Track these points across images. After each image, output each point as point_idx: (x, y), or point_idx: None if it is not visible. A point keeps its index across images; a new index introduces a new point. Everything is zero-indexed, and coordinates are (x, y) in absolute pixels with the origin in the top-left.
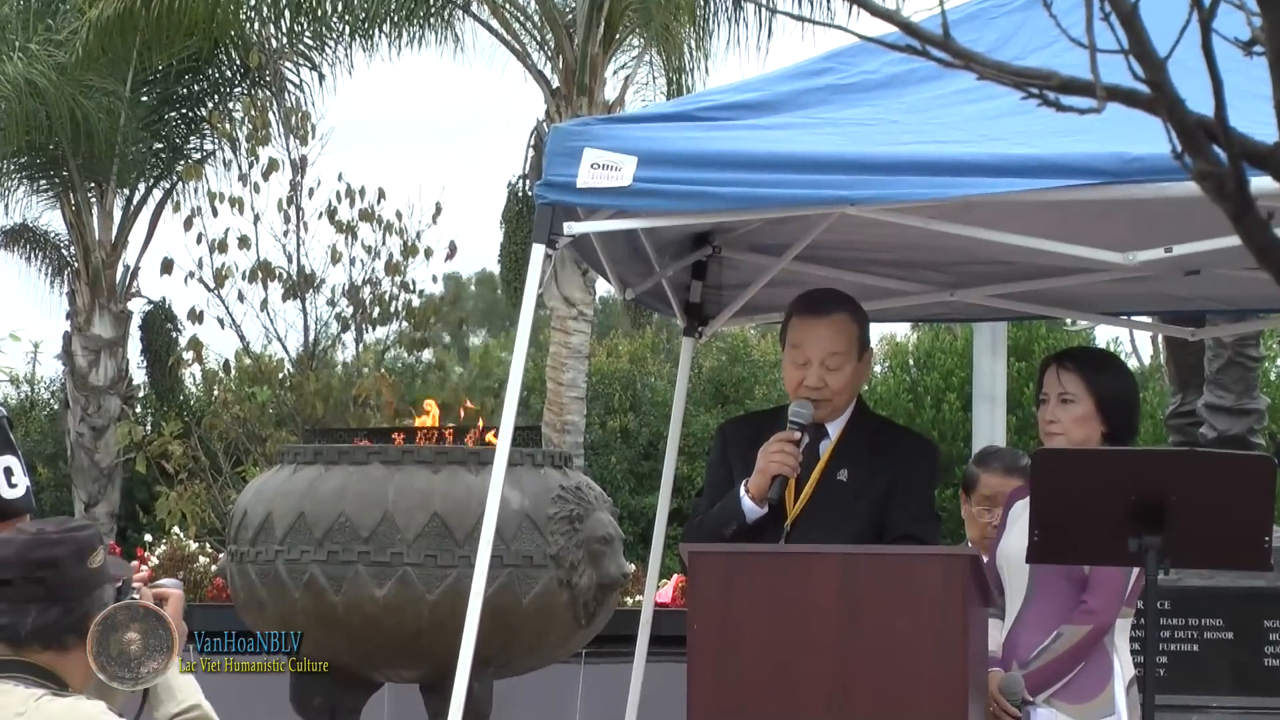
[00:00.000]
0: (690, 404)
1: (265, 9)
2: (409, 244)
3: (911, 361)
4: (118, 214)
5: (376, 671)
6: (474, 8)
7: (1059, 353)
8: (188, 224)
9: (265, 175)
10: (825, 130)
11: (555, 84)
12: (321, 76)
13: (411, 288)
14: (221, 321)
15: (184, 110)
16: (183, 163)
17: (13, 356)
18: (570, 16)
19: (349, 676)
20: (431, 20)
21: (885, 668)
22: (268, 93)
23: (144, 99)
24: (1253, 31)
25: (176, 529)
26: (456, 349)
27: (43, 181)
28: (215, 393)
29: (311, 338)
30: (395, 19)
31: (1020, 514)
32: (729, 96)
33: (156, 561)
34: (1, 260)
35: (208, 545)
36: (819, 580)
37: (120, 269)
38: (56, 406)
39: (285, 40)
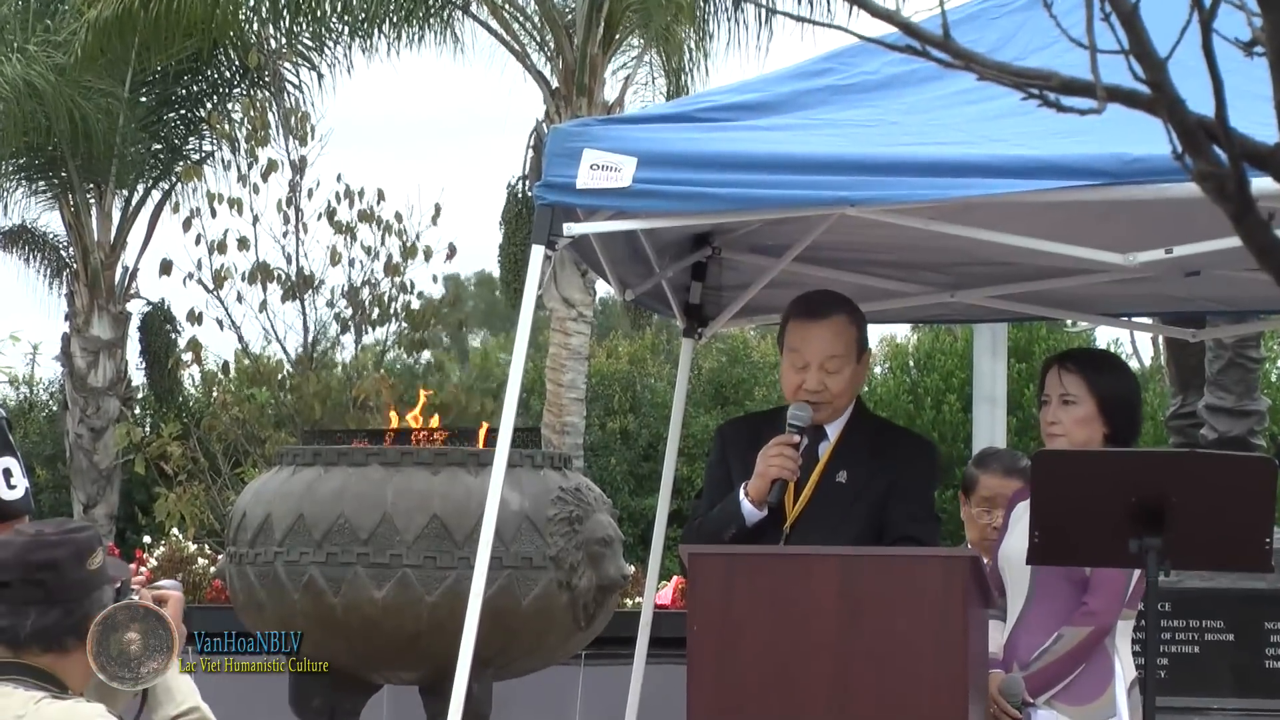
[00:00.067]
0: (690, 405)
1: (264, 9)
2: (408, 245)
3: (912, 363)
4: (116, 215)
5: (375, 673)
6: (473, 8)
7: (1061, 354)
8: (187, 225)
9: (264, 176)
10: (825, 131)
11: (555, 84)
12: (320, 77)
13: (410, 289)
14: (220, 323)
15: (183, 111)
16: (182, 164)
17: (12, 358)
18: (570, 17)
19: (348, 678)
20: (430, 21)
21: (885, 669)
22: (267, 93)
23: (143, 100)
24: (1253, 32)
25: (175, 530)
26: (456, 350)
27: (41, 182)
28: (214, 394)
29: (310, 339)
30: (394, 19)
31: (1022, 515)
32: (729, 97)
33: (155, 563)
34: (0, 261)
35: (207, 547)
36: (819, 582)
37: (119, 270)
38: (55, 408)
39: (284, 41)
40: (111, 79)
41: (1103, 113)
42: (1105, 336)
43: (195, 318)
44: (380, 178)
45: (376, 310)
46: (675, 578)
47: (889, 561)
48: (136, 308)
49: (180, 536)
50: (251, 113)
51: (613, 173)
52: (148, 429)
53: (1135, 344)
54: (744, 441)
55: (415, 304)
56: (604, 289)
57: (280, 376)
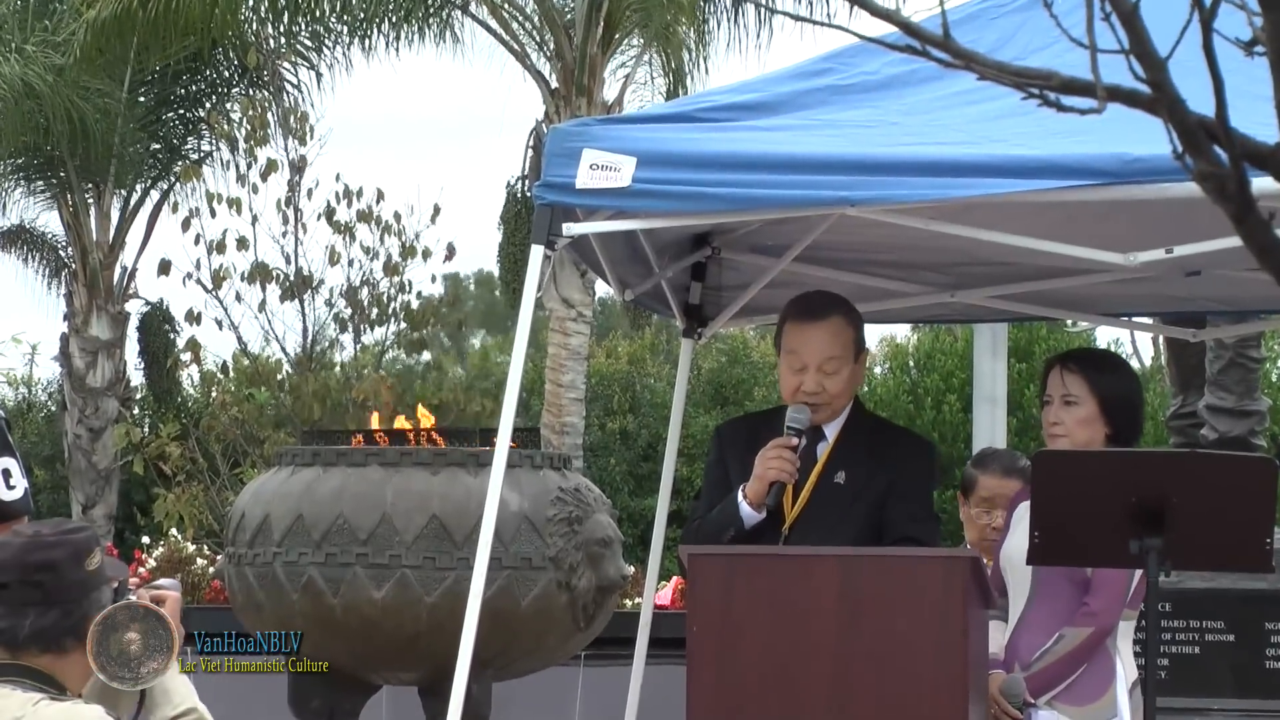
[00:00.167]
0: (689, 405)
1: (263, 9)
2: (407, 245)
3: (912, 363)
4: (115, 215)
5: (375, 674)
6: (472, 8)
7: (1063, 354)
8: (185, 225)
9: (263, 176)
10: (825, 131)
11: (554, 84)
12: (319, 76)
13: (409, 289)
14: (219, 323)
15: (182, 111)
16: (180, 163)
17: (11, 358)
18: (569, 16)
19: (347, 679)
20: (429, 20)
21: (885, 670)
22: (266, 93)
23: (141, 99)
24: (1254, 31)
25: (174, 531)
26: (455, 350)
27: (40, 182)
28: (213, 394)
29: (309, 339)
30: (393, 19)
31: (1024, 516)
32: (728, 97)
33: (154, 563)
34: None
35: (205, 547)
36: (819, 582)
37: (118, 270)
38: (54, 408)
39: (283, 40)
40: (110, 79)
41: (1103, 112)
42: (1106, 336)
43: (194, 318)
44: (379, 178)
45: (375, 310)
46: (675, 578)
47: (889, 562)
48: (135, 308)
49: (179, 537)
50: (250, 112)
51: (612, 173)
52: (146, 429)
53: (1136, 344)
54: (742, 442)
55: (414, 304)
56: (603, 289)
57: (279, 377)
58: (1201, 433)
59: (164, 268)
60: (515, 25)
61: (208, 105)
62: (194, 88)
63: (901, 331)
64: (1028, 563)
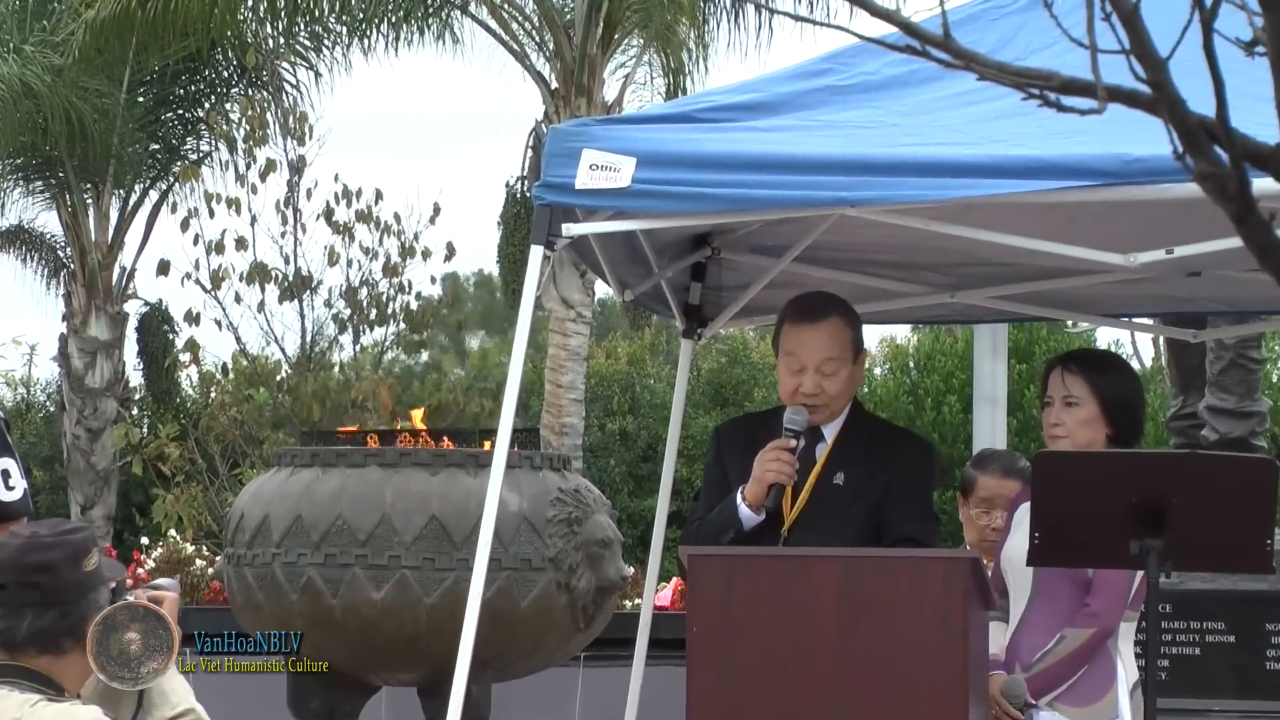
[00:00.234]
0: (689, 406)
1: (262, 9)
2: (406, 245)
3: (912, 364)
4: (114, 215)
5: (374, 675)
6: (471, 8)
7: (1064, 355)
8: (184, 225)
9: (262, 176)
10: (825, 132)
11: (554, 84)
12: (318, 76)
13: (409, 289)
14: (219, 323)
15: (181, 111)
16: (179, 164)
17: (11, 360)
18: (569, 16)
19: (346, 679)
20: (429, 21)
21: (885, 671)
22: (265, 93)
23: (140, 100)
24: (1254, 32)
25: (173, 532)
26: (455, 351)
27: (39, 183)
28: (212, 395)
29: (309, 339)
30: (392, 19)
31: (1024, 517)
32: (728, 97)
33: (153, 564)
34: None
35: (205, 548)
36: (819, 583)
37: (117, 270)
38: (52, 409)
39: (282, 40)
40: (109, 79)
41: (1103, 113)
42: (1106, 337)
43: (193, 318)
44: (379, 178)
45: (375, 311)
46: (674, 579)
47: (889, 563)
48: (134, 308)
49: (178, 538)
50: (249, 113)
51: (612, 173)
52: (145, 430)
53: (1136, 345)
54: (741, 442)
55: (414, 304)
56: (603, 289)
57: (278, 377)
58: (1202, 434)
59: (163, 268)
60: (515, 25)
61: (207, 105)
62: (193, 88)
63: (901, 332)
64: (1028, 563)
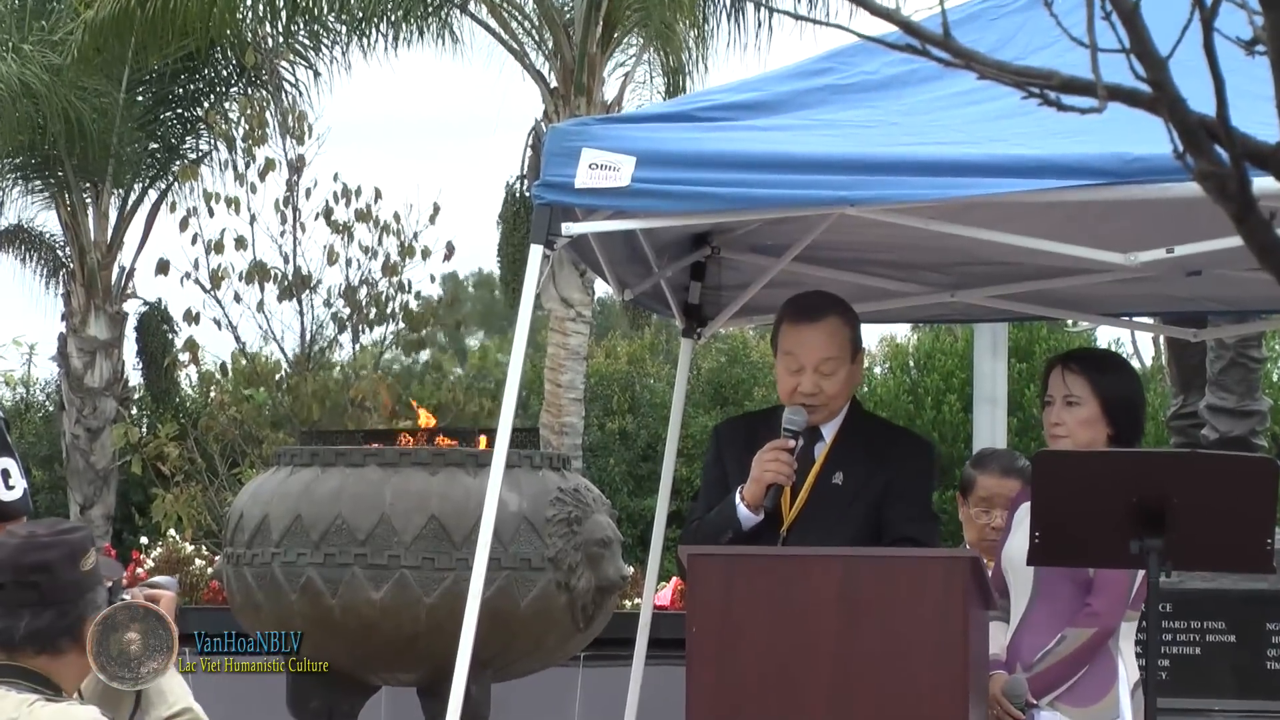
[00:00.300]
0: (689, 405)
1: (261, 8)
2: (406, 245)
3: (912, 363)
4: (113, 214)
5: (374, 675)
6: (471, 7)
7: (1064, 354)
8: (184, 224)
9: (261, 175)
10: (824, 131)
11: (553, 84)
12: (318, 75)
13: (408, 288)
14: (218, 323)
15: (180, 110)
16: (179, 163)
17: (11, 360)
18: (568, 15)
19: (346, 679)
20: (428, 19)
21: (885, 671)
22: (264, 92)
23: (140, 99)
24: (1254, 31)
25: (172, 531)
26: (454, 350)
27: (38, 182)
28: (211, 394)
29: (308, 339)
30: (391, 18)
31: (1025, 517)
32: (728, 96)
33: (152, 564)
34: None
35: (204, 548)
36: (819, 583)
37: (116, 270)
38: (51, 408)
39: (281, 39)
40: (108, 78)
41: (1103, 112)
42: (1106, 336)
43: (192, 318)
44: (378, 177)
45: (374, 310)
46: (674, 579)
47: (889, 562)
48: (133, 308)
49: (177, 537)
50: (249, 112)
51: (611, 172)
52: (145, 429)
53: (1136, 344)
54: (740, 441)
55: (413, 304)
56: (603, 289)
57: (278, 377)
58: (1202, 433)
59: (162, 267)
60: (514, 24)
61: (206, 105)
62: (192, 87)
63: (901, 331)
64: (1028, 563)
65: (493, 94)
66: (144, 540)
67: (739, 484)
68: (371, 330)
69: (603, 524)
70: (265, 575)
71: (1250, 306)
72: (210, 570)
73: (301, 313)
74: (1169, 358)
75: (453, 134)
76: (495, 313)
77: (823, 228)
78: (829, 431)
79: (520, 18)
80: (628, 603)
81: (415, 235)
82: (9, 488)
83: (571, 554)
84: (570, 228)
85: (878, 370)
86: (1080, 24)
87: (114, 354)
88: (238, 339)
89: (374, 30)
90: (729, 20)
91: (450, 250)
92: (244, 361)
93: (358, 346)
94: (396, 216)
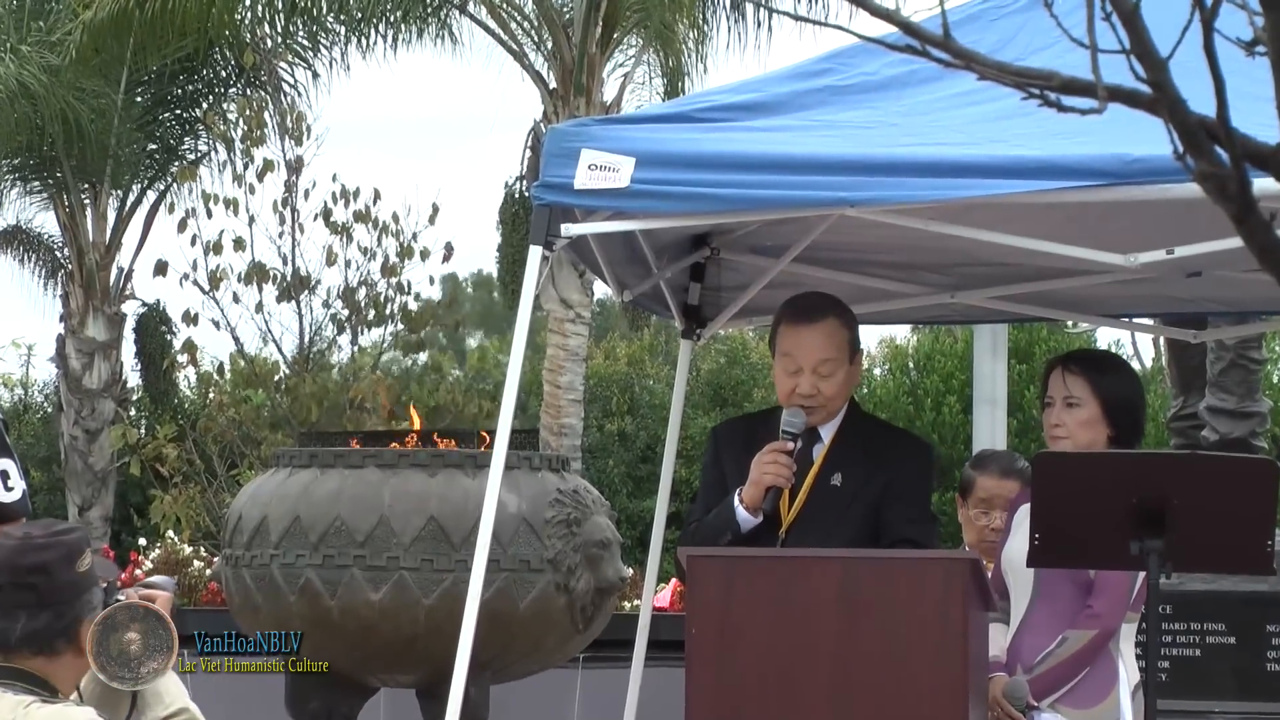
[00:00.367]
0: (688, 406)
1: (260, 9)
2: (405, 245)
3: (911, 364)
4: (112, 215)
5: (372, 676)
6: (470, 7)
7: (1064, 355)
8: (182, 226)
9: (260, 176)
10: (824, 132)
11: (552, 84)
12: (316, 76)
13: (407, 289)
14: (216, 324)
15: (178, 111)
16: (177, 164)
17: (10, 362)
18: (568, 16)
19: (345, 681)
20: (427, 20)
21: (885, 673)
22: (263, 93)
23: (138, 100)
24: (1255, 32)
25: (171, 533)
26: (453, 351)
27: (36, 183)
28: (210, 396)
29: (307, 340)
30: (391, 19)
31: (1024, 518)
32: (727, 97)
33: (151, 565)
34: None
35: (202, 549)
36: (819, 584)
37: (114, 271)
38: (50, 409)
39: (280, 40)
40: (106, 79)
41: (1103, 113)
42: (1106, 337)
43: (191, 319)
44: (377, 178)
45: (373, 311)
46: (674, 580)
47: (889, 564)
48: (132, 309)
49: (176, 539)
50: (247, 113)
51: (611, 173)
52: (143, 431)
53: (1136, 345)
54: (738, 443)
55: (412, 305)
56: (602, 290)
57: (276, 378)
58: (1202, 434)
59: (160, 268)
60: (513, 25)
61: (204, 105)
62: (190, 88)
63: (901, 332)
64: (1028, 564)
65: (492, 95)
66: (142, 541)
67: (737, 485)
68: (370, 331)
69: (602, 525)
70: (264, 577)
71: (1250, 308)
72: (209, 572)
73: (300, 314)
74: (1169, 359)
75: (452, 135)
76: (494, 314)
77: (822, 228)
78: (827, 433)
79: (519, 18)
80: (627, 604)
81: (414, 236)
82: (8, 489)
83: (571, 555)
84: (569, 229)
85: (877, 371)
86: (1080, 25)
87: (112, 355)
88: (236, 340)
89: (373, 31)
90: (728, 21)
91: (449, 251)
92: (242, 363)
93: (356, 348)
94: (395, 217)
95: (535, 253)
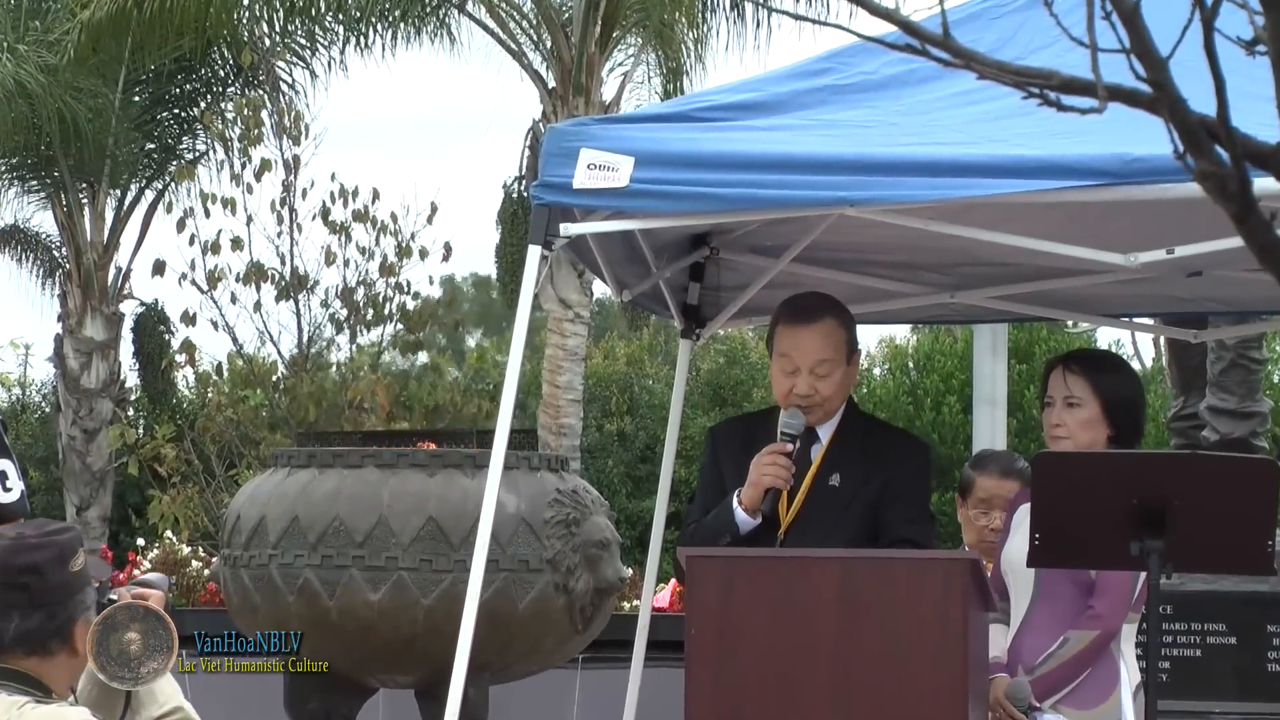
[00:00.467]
0: (688, 406)
1: (258, 8)
2: (403, 245)
3: (911, 364)
4: (110, 215)
5: (371, 677)
6: (469, 7)
7: (1065, 355)
8: (180, 225)
9: (258, 176)
10: (824, 131)
11: (551, 84)
12: (314, 76)
13: (406, 289)
14: (214, 324)
15: (176, 110)
16: (175, 163)
17: (8, 362)
18: (567, 15)
19: (344, 682)
20: (426, 19)
21: (885, 673)
22: (261, 92)
23: (136, 99)
24: (1255, 31)
25: (169, 533)
26: (452, 351)
27: (34, 182)
28: (208, 395)
29: (305, 340)
30: (389, 18)
31: (1024, 518)
32: (727, 97)
33: (149, 565)
34: None
35: (201, 549)
36: (818, 585)
37: (112, 270)
38: (48, 410)
39: (278, 40)
40: (104, 79)
41: (1103, 112)
42: (1106, 337)
43: (189, 319)
44: (376, 177)
45: (371, 311)
46: (673, 580)
47: (888, 564)
48: (130, 309)
49: (174, 539)
50: (245, 112)
51: (610, 172)
52: (141, 431)
53: (1137, 345)
54: (737, 443)
55: (411, 305)
56: (601, 290)
57: (274, 378)
58: (1203, 434)
59: (158, 268)
60: (512, 24)
61: (202, 105)
62: (188, 87)
63: (901, 332)
64: (1028, 565)
65: (491, 94)
66: (140, 542)
67: (736, 486)
68: (369, 331)
69: (601, 525)
70: (262, 577)
71: (1250, 307)
72: (207, 572)
73: (298, 314)
74: (1169, 359)
75: (450, 134)
76: (493, 314)
77: (822, 228)
78: (825, 433)
79: (518, 18)
80: (626, 604)
81: (413, 236)
82: (6, 490)
83: (570, 555)
84: (569, 228)
85: (877, 371)
86: (1080, 24)
87: (110, 355)
88: (234, 340)
89: (371, 30)
90: (728, 20)
91: (448, 251)
92: (241, 362)
93: (355, 347)
94: (394, 217)
95: (534, 252)
